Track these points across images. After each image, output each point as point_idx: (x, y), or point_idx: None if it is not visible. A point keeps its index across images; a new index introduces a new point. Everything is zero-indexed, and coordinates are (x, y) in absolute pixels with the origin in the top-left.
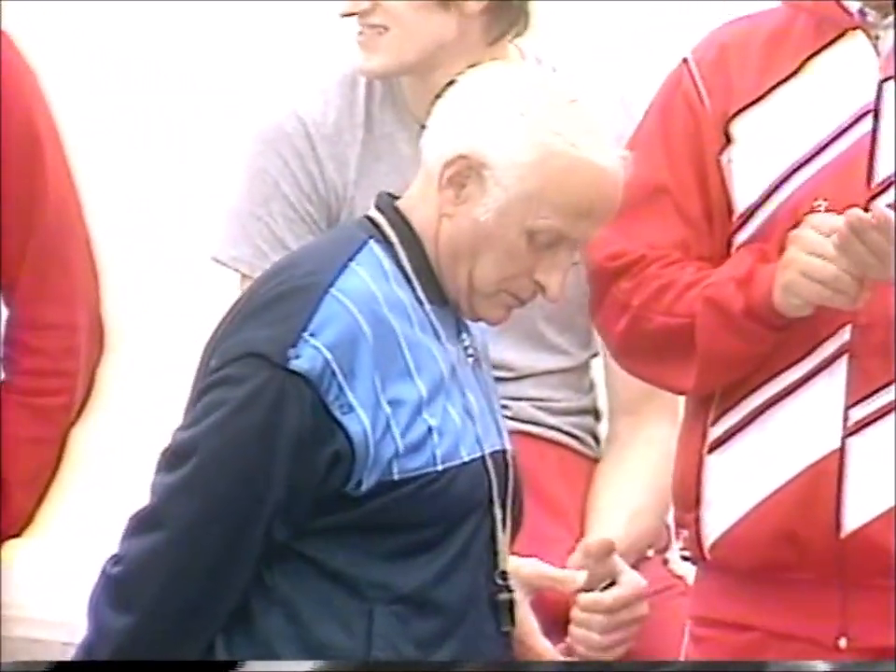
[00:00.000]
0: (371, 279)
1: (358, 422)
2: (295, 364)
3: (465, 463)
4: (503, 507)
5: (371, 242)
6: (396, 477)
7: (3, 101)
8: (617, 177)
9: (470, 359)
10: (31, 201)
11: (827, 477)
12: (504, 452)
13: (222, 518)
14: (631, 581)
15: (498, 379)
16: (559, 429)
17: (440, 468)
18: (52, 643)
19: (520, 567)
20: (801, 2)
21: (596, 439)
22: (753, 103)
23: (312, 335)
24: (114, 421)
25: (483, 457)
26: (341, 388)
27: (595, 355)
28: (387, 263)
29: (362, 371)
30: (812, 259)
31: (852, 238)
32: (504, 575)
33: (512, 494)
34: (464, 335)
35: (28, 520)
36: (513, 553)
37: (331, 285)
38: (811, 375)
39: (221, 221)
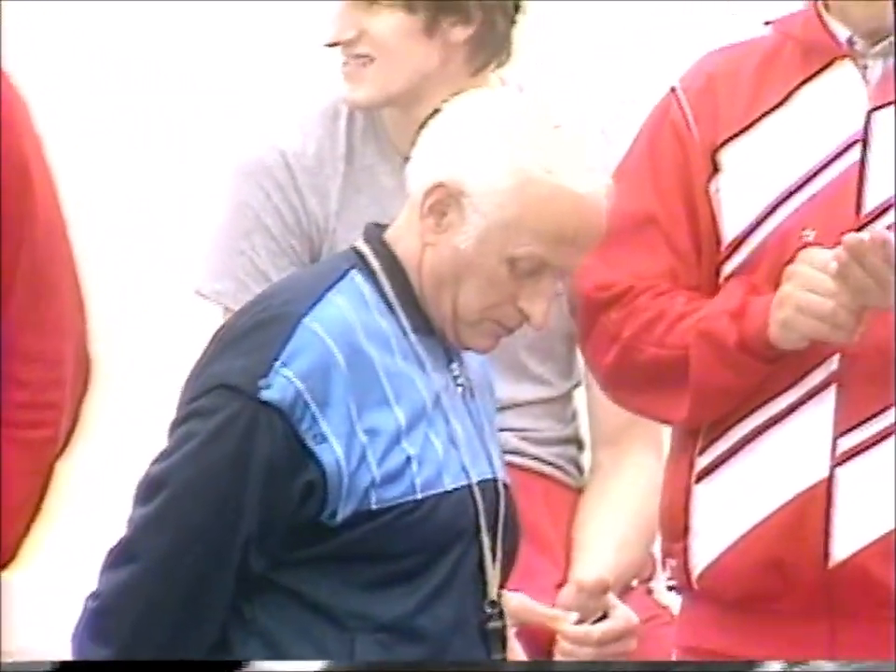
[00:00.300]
0: (349, 308)
1: (331, 452)
2: (266, 394)
3: (448, 492)
4: (493, 535)
5: (353, 272)
6: (374, 506)
7: None
8: (599, 204)
9: (460, 388)
10: (20, 231)
11: (815, 506)
12: (495, 480)
13: (195, 549)
14: (623, 615)
15: None
16: (542, 460)
17: (419, 496)
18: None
19: (507, 599)
20: (789, 28)
21: (580, 468)
22: (741, 132)
23: (283, 365)
24: (99, 454)
25: (469, 486)
26: (314, 418)
27: (578, 385)
28: (369, 293)
29: (336, 400)
30: (809, 295)
31: (851, 263)
32: (494, 603)
33: (503, 523)
34: (454, 364)
35: (12, 553)
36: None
37: (305, 314)
38: (799, 404)
39: (204, 255)
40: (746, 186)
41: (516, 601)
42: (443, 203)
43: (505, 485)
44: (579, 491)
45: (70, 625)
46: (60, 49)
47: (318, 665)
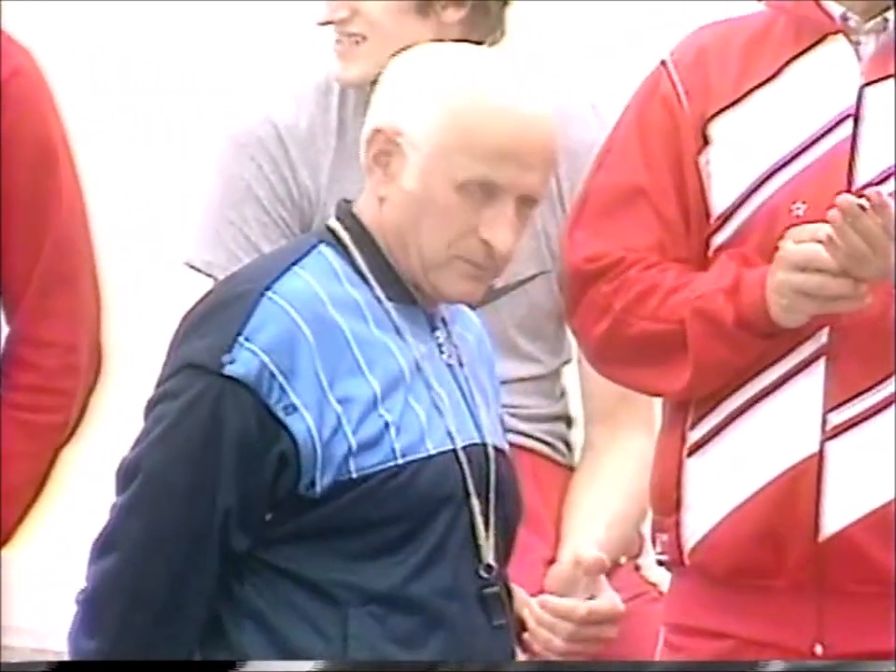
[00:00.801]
0: (315, 281)
1: (302, 421)
2: (230, 369)
3: (431, 456)
4: (485, 500)
5: (321, 246)
6: (354, 475)
7: (21, 108)
8: (541, 121)
9: (444, 355)
10: (44, 213)
11: (806, 480)
12: (484, 445)
13: (174, 532)
14: (609, 600)
15: None
16: (531, 436)
17: (400, 461)
18: (22, 649)
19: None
20: (782, 3)
21: (568, 445)
22: (732, 104)
23: (247, 339)
24: (105, 443)
25: (454, 450)
26: (282, 389)
27: (567, 362)
28: (339, 265)
29: (304, 370)
30: (804, 276)
31: (845, 227)
32: (489, 568)
33: (496, 487)
34: (438, 332)
35: (8, 534)
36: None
37: (268, 288)
38: (788, 377)
39: (194, 226)
40: (735, 158)
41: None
42: (384, 150)
43: (500, 451)
44: (568, 468)
45: (56, 605)
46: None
47: (317, 665)
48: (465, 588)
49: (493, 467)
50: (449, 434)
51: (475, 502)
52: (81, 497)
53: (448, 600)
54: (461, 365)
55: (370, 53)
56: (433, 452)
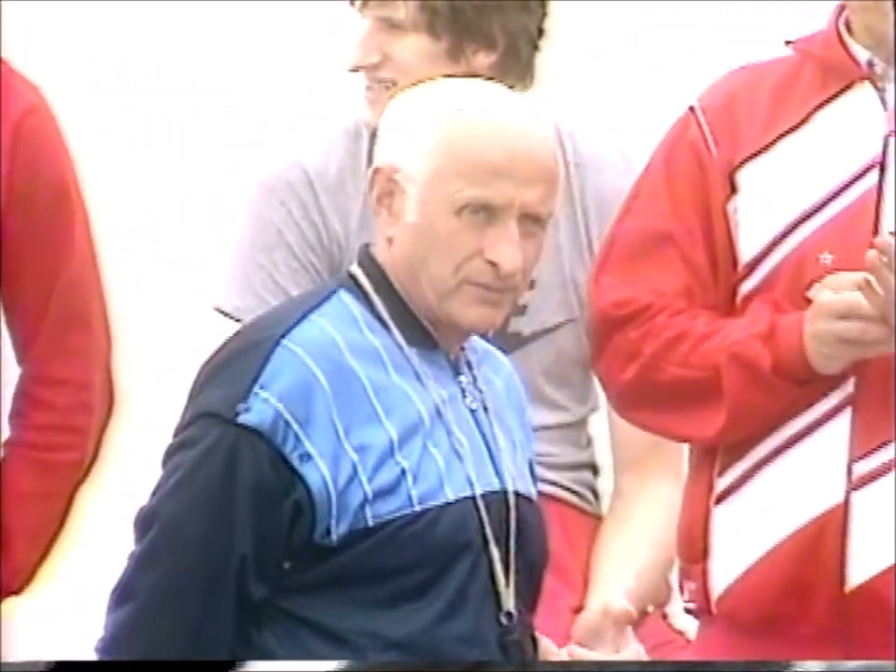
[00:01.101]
0: (332, 328)
1: (316, 470)
2: (244, 418)
3: (449, 503)
4: (505, 547)
5: (341, 291)
6: (370, 523)
7: (36, 147)
8: (530, 136)
9: (467, 399)
10: (57, 251)
11: (831, 530)
12: (505, 492)
13: (189, 581)
14: (635, 653)
15: None
16: (558, 484)
17: (417, 508)
18: None
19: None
20: (809, 48)
21: (595, 494)
22: (759, 152)
23: (262, 387)
24: (121, 481)
25: (472, 497)
26: (297, 437)
27: (595, 410)
28: (358, 311)
29: (319, 418)
30: (848, 323)
31: (883, 268)
32: (510, 616)
33: (517, 534)
34: (462, 376)
35: (29, 577)
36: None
37: (283, 336)
38: (814, 427)
39: (223, 270)
40: (763, 206)
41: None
42: (386, 190)
43: (523, 497)
44: (595, 517)
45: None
46: (81, 64)
47: (318, 665)
48: (485, 636)
49: (513, 514)
50: (469, 480)
51: (494, 549)
52: (97, 537)
53: (468, 648)
54: (485, 409)
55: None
56: (452, 499)
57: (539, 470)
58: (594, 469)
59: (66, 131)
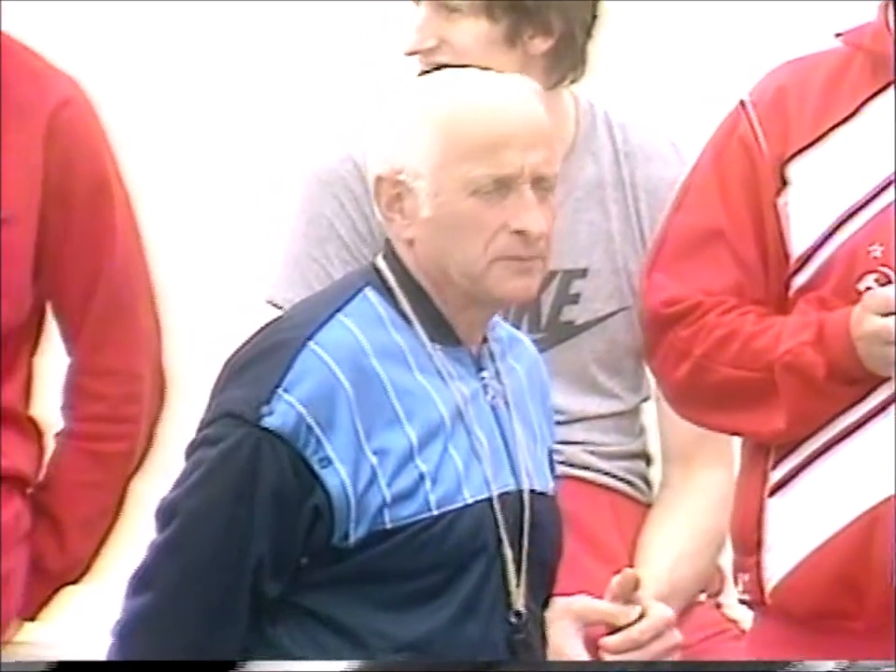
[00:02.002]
0: (358, 329)
1: (336, 475)
2: (268, 421)
3: (468, 505)
4: (517, 547)
5: (367, 289)
6: (388, 526)
7: (72, 140)
8: (520, 102)
9: (488, 396)
10: (99, 244)
11: (882, 524)
12: (520, 492)
13: (205, 576)
14: (658, 612)
15: None
16: (611, 474)
17: (435, 512)
18: None
19: (571, 602)
20: (859, 40)
21: (648, 483)
22: (810, 145)
23: (286, 391)
24: (175, 471)
25: (489, 499)
26: (318, 442)
27: (647, 399)
28: (383, 309)
29: (341, 423)
30: (888, 322)
31: None
32: (519, 615)
33: (530, 533)
34: (485, 371)
35: (86, 567)
36: (561, 594)
37: (310, 338)
38: (864, 422)
39: (277, 264)
40: (814, 200)
41: (580, 603)
42: (393, 195)
43: (539, 494)
44: (647, 505)
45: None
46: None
47: (318, 665)
48: (495, 636)
49: (527, 514)
50: (486, 481)
51: (507, 550)
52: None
53: (478, 649)
54: (506, 404)
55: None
56: (469, 501)
57: (592, 460)
58: (646, 458)
59: (109, 123)
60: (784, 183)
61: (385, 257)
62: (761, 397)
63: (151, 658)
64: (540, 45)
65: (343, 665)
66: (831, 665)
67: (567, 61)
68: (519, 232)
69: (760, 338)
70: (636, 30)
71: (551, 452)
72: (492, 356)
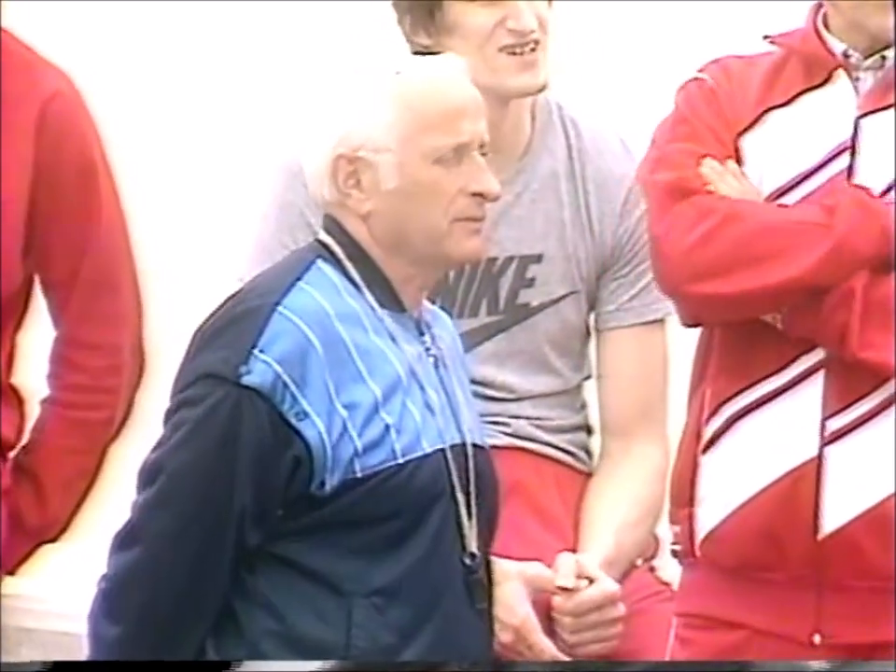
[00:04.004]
0: (320, 295)
1: (313, 427)
2: (247, 379)
3: (427, 455)
4: (466, 495)
5: (319, 261)
6: (359, 474)
7: (61, 128)
8: (455, 75)
9: (431, 359)
10: (85, 225)
11: (806, 482)
12: (463, 444)
13: (193, 528)
14: (602, 586)
15: (500, 399)
16: (555, 446)
17: (400, 460)
18: (81, 636)
19: (525, 568)
20: (790, 42)
21: (589, 453)
22: (750, 126)
23: (261, 351)
24: (151, 441)
25: (443, 449)
26: (294, 397)
27: (589, 377)
28: (337, 278)
29: (314, 379)
30: None
31: None
32: (473, 556)
33: (476, 482)
34: (425, 336)
35: (64, 526)
36: (506, 557)
37: (278, 303)
38: (790, 386)
39: (249, 249)
40: (754, 177)
41: (533, 571)
42: (350, 171)
43: (479, 448)
44: (588, 475)
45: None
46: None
47: (318, 665)
48: (453, 577)
49: (471, 464)
50: (439, 433)
51: (460, 496)
52: (128, 491)
53: (441, 590)
54: (444, 366)
55: (545, 56)
56: (428, 450)
57: (537, 433)
58: (588, 429)
59: (97, 114)
60: (738, 160)
61: (329, 232)
62: (787, 242)
63: (142, 609)
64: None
65: (335, 665)
66: (824, 665)
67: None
68: (476, 194)
69: (783, 206)
70: (586, 32)
71: (490, 421)
72: (427, 324)
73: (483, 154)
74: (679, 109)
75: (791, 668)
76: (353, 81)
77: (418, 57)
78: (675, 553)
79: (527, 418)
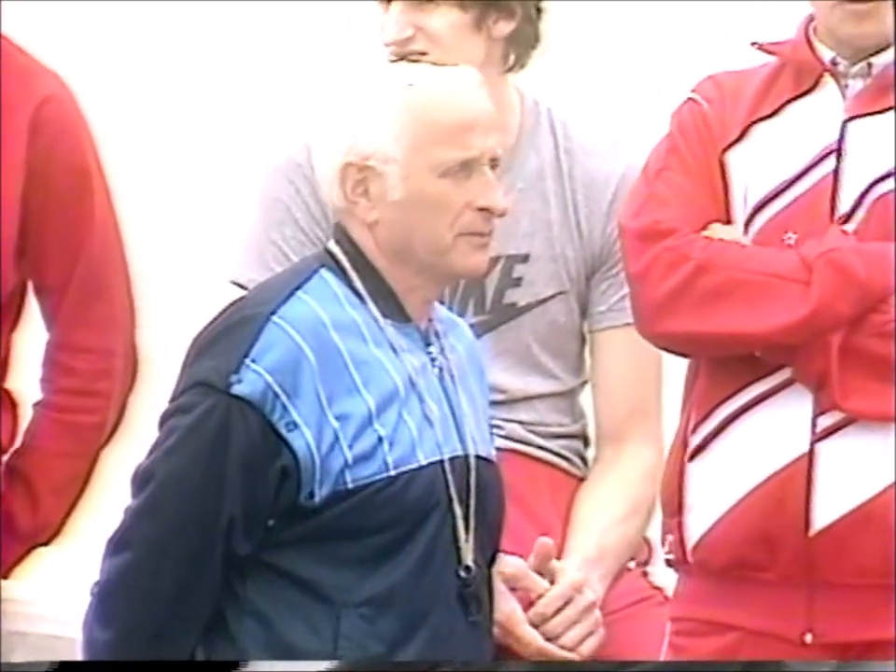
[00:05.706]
0: (318, 305)
1: (302, 438)
2: (237, 388)
3: (422, 467)
4: (466, 507)
5: (322, 270)
6: (350, 486)
7: (54, 132)
8: (470, 88)
9: (436, 370)
10: (78, 230)
11: (796, 479)
12: (466, 457)
13: (182, 534)
14: (567, 578)
15: (492, 402)
16: (548, 450)
17: (392, 473)
18: (73, 640)
19: (505, 563)
20: (782, 49)
21: (584, 460)
22: (737, 140)
23: (253, 361)
24: (143, 446)
25: (441, 461)
26: (284, 408)
27: (586, 382)
28: (339, 288)
29: (305, 390)
30: None
31: None
32: (468, 570)
33: (476, 494)
34: (432, 347)
35: (56, 530)
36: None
37: (273, 313)
38: (780, 388)
39: (239, 247)
40: (740, 190)
41: (513, 566)
42: (359, 180)
43: (483, 459)
44: (582, 479)
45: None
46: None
47: (318, 665)
48: (447, 589)
49: (473, 476)
50: (438, 445)
51: (457, 508)
52: (120, 496)
53: (432, 602)
54: (451, 377)
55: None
56: (424, 462)
57: (531, 437)
58: (585, 439)
59: (90, 117)
60: (723, 174)
61: (337, 241)
62: (761, 297)
63: (133, 614)
64: (503, 28)
65: (333, 665)
66: (831, 665)
67: (522, 44)
68: (483, 209)
69: (759, 250)
70: (579, 36)
71: (490, 425)
72: (437, 333)
73: (494, 168)
74: (672, 136)
75: (800, 669)
76: (366, 90)
77: (433, 68)
78: (669, 563)
79: (521, 422)
